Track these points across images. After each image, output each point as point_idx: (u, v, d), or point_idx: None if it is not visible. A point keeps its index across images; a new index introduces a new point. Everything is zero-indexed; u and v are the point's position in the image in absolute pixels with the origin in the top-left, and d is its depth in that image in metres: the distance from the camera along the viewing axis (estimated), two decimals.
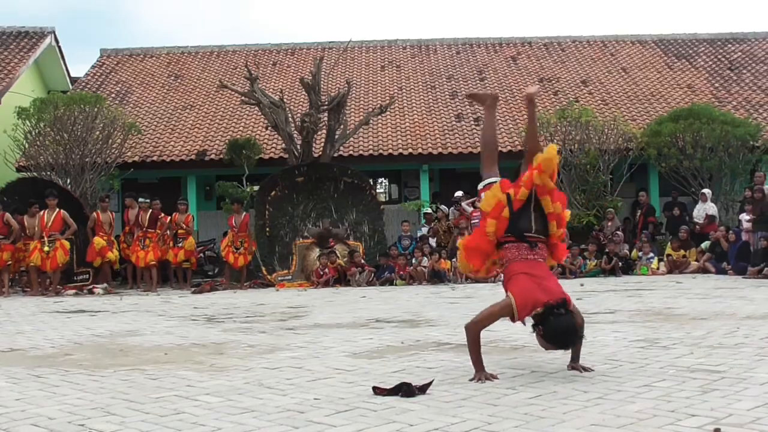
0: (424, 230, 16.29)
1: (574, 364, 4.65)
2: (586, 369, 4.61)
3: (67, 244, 13.80)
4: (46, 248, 13.54)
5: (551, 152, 4.56)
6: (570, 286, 12.00)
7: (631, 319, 7.39)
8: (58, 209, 13.93)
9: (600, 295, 10.35)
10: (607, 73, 22.56)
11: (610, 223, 16.09)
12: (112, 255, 14.25)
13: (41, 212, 13.88)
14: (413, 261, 14.59)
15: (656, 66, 22.87)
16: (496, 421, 3.52)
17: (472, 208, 15.94)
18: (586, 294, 10.51)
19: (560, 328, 4.31)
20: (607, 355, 5.26)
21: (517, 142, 18.42)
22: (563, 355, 5.26)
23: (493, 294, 11.36)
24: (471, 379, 4.43)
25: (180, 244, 14.69)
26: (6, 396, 4.32)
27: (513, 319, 4.49)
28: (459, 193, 16.55)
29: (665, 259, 15.08)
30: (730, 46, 23.81)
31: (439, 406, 3.82)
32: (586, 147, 17.08)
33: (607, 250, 15.04)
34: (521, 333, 6.57)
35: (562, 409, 3.70)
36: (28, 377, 4.94)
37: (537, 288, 4.42)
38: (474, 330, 4.54)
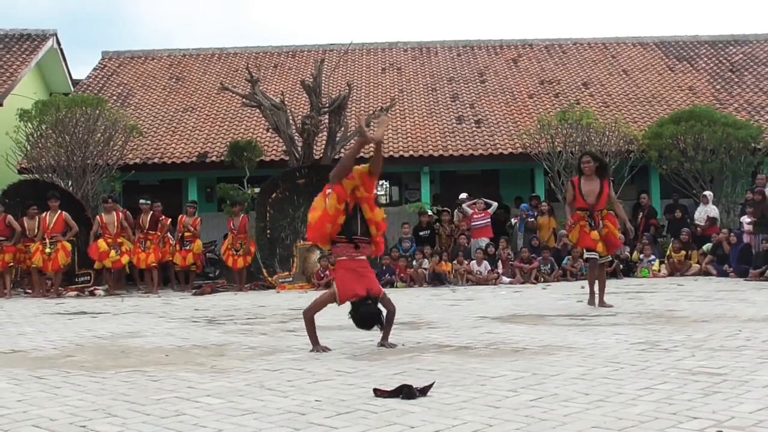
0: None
1: (383, 342, 6.01)
2: (391, 345, 5.95)
3: (68, 245, 13.80)
4: (47, 250, 13.55)
5: (361, 168, 5.88)
6: (571, 289, 12.08)
7: (632, 322, 7.39)
8: (60, 211, 13.94)
9: None
10: (608, 75, 22.57)
11: None
12: (108, 262, 14.12)
13: (43, 214, 13.90)
14: (414, 263, 14.59)
15: (657, 68, 22.87)
16: (497, 423, 3.52)
17: (472, 211, 15.97)
18: (586, 296, 10.50)
19: (365, 315, 5.68)
20: (608, 357, 5.26)
21: (517, 144, 18.42)
22: (565, 358, 5.29)
23: (493, 296, 11.40)
24: (311, 351, 5.84)
25: (188, 247, 14.67)
26: (8, 397, 4.33)
27: (338, 303, 5.87)
28: (463, 195, 16.56)
29: (666, 261, 15.07)
30: (731, 48, 23.81)
31: (440, 408, 3.82)
32: (587, 149, 17.02)
33: None
34: (522, 336, 6.58)
35: (563, 411, 3.70)
36: (30, 378, 4.95)
37: (356, 281, 5.74)
38: (308, 315, 5.96)
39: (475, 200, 16.16)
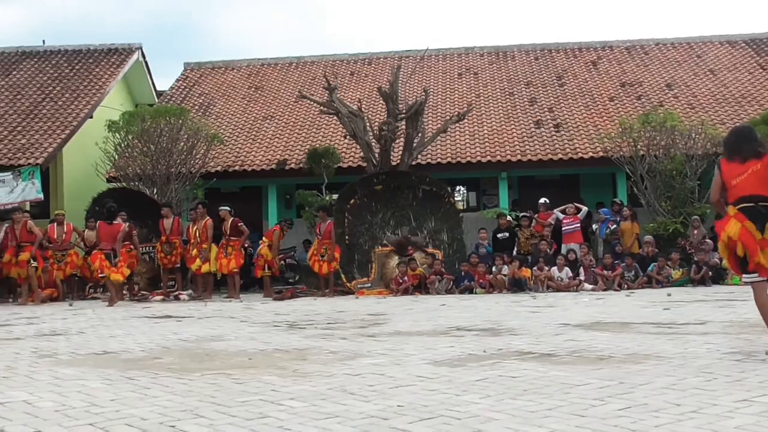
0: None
1: None
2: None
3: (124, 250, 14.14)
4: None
5: None
6: (656, 296, 11.76)
7: (724, 331, 7.12)
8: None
9: (689, 306, 10.03)
10: (693, 76, 21.93)
11: (696, 231, 15.58)
12: (195, 267, 14.42)
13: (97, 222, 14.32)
14: (493, 269, 14.45)
15: (747, 67, 22.10)
16: None
17: (563, 215, 15.76)
18: (673, 304, 10.21)
19: None
20: (699, 367, 5.07)
21: (598, 148, 18.08)
22: (653, 367, 5.13)
23: (575, 303, 11.18)
24: None
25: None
26: (102, 396, 4.47)
27: None
28: (543, 200, 16.34)
29: None
30: None
31: (525, 416, 3.76)
32: (671, 152, 16.62)
33: (696, 259, 14.57)
34: (606, 343, 6.43)
35: (653, 422, 3.58)
36: (121, 379, 5.09)
37: None
38: None
39: (565, 206, 15.95)
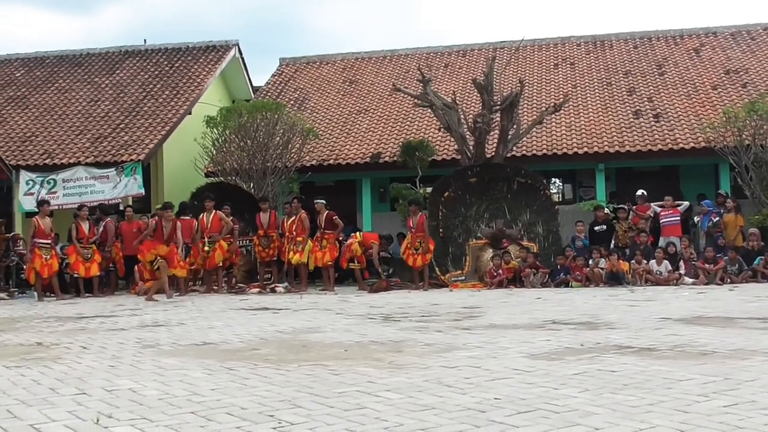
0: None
1: None
2: None
3: (225, 244, 14.49)
4: (206, 248, 14.31)
5: None
6: (762, 291, 11.29)
7: None
8: (214, 211, 14.63)
9: None
10: None
11: None
12: (295, 259, 14.67)
13: (201, 215, 14.67)
14: (590, 262, 14.16)
15: None
16: (689, 429, 3.34)
17: (660, 209, 15.34)
18: None
19: None
20: None
21: (700, 138, 17.45)
22: (761, 363, 4.94)
23: (675, 297, 10.84)
24: None
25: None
26: (202, 386, 4.61)
27: None
28: (641, 192, 15.92)
29: None
30: None
31: (626, 411, 3.68)
32: None
33: None
34: (709, 338, 6.22)
35: (762, 419, 3.45)
36: (221, 369, 5.24)
37: None
38: None
39: (663, 202, 15.53)
